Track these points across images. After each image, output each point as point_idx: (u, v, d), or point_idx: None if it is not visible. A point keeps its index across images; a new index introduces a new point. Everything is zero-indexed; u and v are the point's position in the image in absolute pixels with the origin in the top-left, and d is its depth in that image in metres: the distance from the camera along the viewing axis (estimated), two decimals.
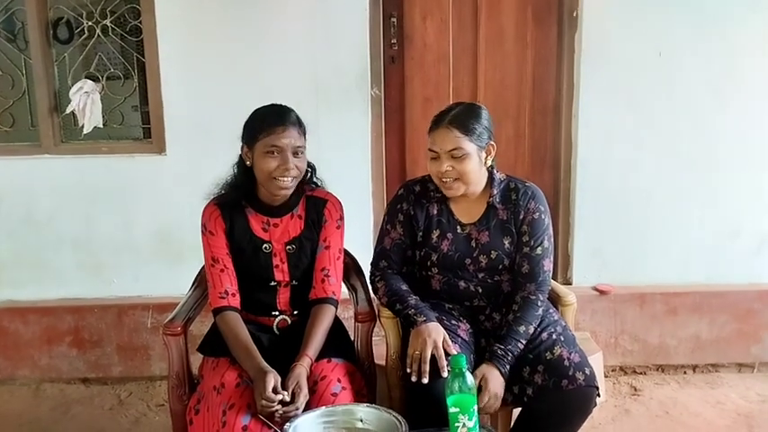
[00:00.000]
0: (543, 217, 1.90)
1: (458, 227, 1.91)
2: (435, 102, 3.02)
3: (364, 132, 2.95)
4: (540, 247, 1.88)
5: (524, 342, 1.81)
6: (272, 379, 1.58)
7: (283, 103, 1.82)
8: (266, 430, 1.57)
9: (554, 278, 1.98)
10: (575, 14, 2.90)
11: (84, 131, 2.92)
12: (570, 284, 3.06)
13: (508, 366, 1.77)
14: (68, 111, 2.93)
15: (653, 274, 3.06)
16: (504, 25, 3.00)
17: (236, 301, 1.81)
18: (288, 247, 1.84)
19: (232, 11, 2.84)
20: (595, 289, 3.03)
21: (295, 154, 1.75)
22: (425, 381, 1.67)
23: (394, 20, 2.96)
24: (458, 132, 1.79)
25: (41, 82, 2.95)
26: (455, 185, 1.83)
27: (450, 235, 1.90)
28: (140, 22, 2.90)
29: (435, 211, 1.91)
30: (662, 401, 2.77)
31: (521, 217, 1.88)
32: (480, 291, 1.91)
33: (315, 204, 1.87)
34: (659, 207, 3.02)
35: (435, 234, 1.91)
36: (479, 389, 1.72)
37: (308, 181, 1.89)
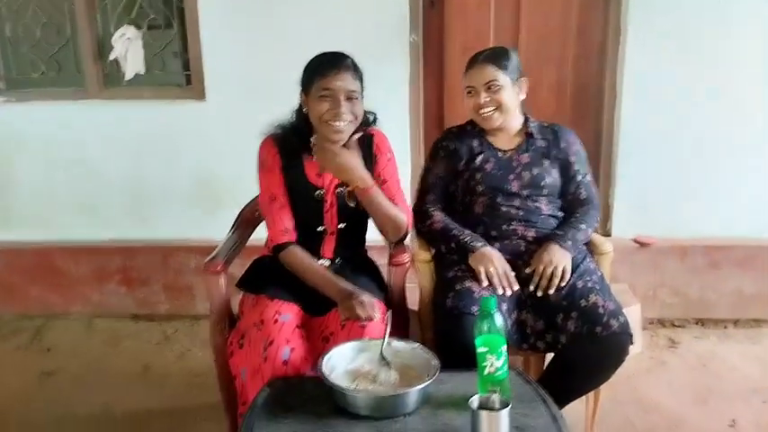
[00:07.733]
0: (583, 151, 2.04)
1: (499, 152, 2.00)
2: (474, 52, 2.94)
3: (402, 81, 2.90)
4: (589, 174, 2.03)
5: (583, 238, 1.92)
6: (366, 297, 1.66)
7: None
8: (306, 364, 1.62)
9: None
10: None
11: (126, 78, 2.97)
12: (609, 236, 3.02)
13: (570, 243, 1.86)
14: (111, 57, 2.98)
15: (696, 227, 2.99)
16: None
17: (296, 237, 1.80)
18: (338, 189, 1.82)
19: None
20: (636, 241, 2.98)
21: (348, 98, 1.71)
22: (510, 292, 1.80)
23: None
24: (492, 67, 1.92)
25: (85, 29, 2.99)
26: (494, 116, 1.93)
27: (492, 159, 1.99)
28: None
29: (475, 144, 2.00)
30: (700, 354, 2.74)
31: (562, 146, 2.00)
32: (521, 214, 1.94)
33: (362, 141, 1.84)
34: (707, 158, 2.93)
35: (478, 159, 1.98)
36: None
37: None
